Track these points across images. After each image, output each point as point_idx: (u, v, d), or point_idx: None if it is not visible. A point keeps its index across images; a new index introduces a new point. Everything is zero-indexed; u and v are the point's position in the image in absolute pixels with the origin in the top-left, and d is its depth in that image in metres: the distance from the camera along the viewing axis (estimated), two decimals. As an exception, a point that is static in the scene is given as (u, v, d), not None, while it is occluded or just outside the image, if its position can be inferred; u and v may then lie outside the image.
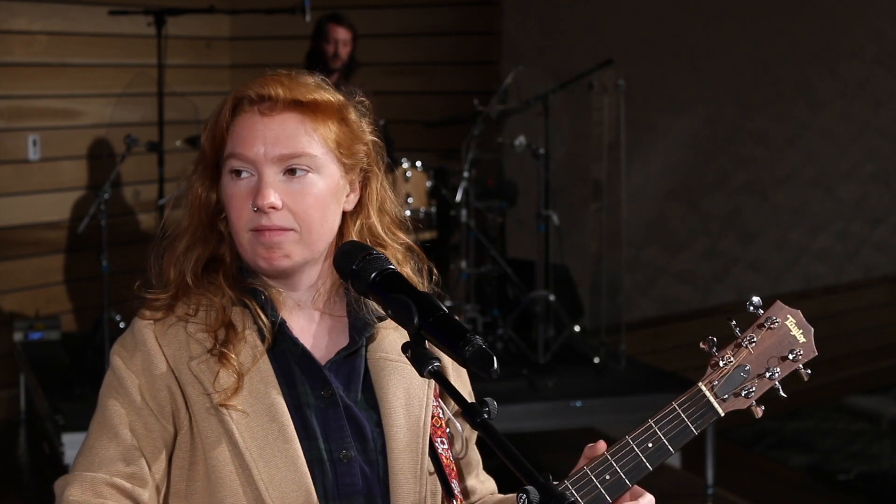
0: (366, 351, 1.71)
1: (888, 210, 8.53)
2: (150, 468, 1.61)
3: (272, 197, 1.62)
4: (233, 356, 1.63)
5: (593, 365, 5.45)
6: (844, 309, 8.23)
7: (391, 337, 1.73)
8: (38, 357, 5.65)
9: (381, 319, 1.72)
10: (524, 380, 5.21)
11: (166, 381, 1.63)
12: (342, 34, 5.81)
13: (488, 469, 1.89)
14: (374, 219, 1.74)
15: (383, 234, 1.74)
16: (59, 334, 5.96)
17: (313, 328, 1.71)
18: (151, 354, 1.64)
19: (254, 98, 1.65)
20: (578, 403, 5.00)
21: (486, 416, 1.41)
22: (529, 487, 1.35)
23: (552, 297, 5.43)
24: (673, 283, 7.49)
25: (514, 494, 1.69)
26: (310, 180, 1.65)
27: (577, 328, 5.69)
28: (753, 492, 5.60)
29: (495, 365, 1.41)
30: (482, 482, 1.84)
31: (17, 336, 5.89)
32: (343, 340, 1.71)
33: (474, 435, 1.80)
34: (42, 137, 6.12)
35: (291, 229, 1.64)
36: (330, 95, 1.68)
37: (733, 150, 7.71)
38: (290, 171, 1.64)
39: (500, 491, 1.87)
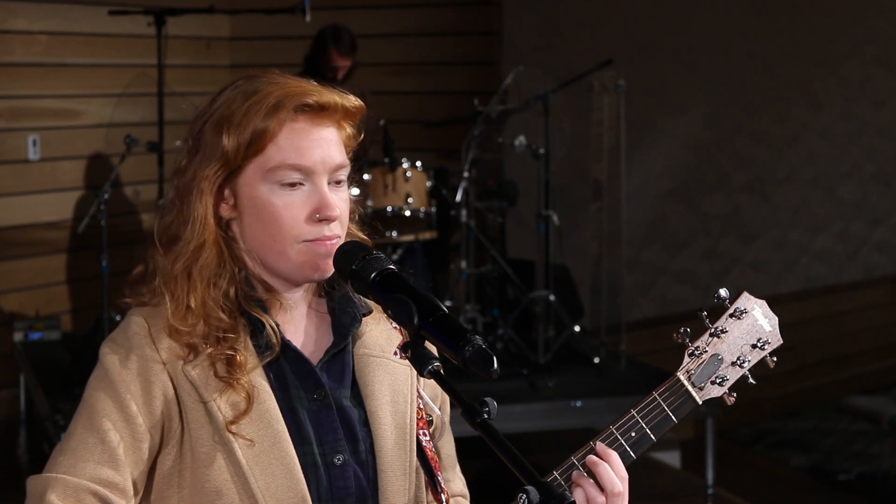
0: (352, 347, 1.71)
1: (888, 210, 8.53)
2: (133, 479, 1.57)
3: (338, 207, 1.63)
4: (244, 379, 1.60)
5: (593, 365, 5.46)
6: (844, 309, 8.23)
7: (373, 333, 1.73)
8: (38, 357, 5.65)
9: (364, 315, 1.72)
10: (524, 380, 5.21)
11: (163, 389, 1.59)
12: (343, 63, 5.82)
13: (487, 469, 1.89)
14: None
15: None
16: (59, 334, 5.96)
17: (302, 328, 1.71)
18: (148, 359, 1.60)
19: (313, 106, 1.63)
20: (578, 403, 5.00)
21: (486, 416, 1.42)
22: (529, 487, 1.36)
23: (552, 298, 5.42)
24: (673, 283, 7.49)
25: None
26: (345, 187, 1.67)
27: (577, 328, 5.69)
28: (753, 492, 5.61)
29: (495, 365, 1.42)
30: (459, 477, 1.84)
31: (17, 336, 5.89)
32: (328, 337, 1.70)
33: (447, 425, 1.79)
34: (42, 137, 6.12)
35: (339, 237, 1.65)
36: (359, 101, 1.69)
37: (733, 150, 7.70)
38: (336, 182, 1.65)
39: (500, 492, 1.87)
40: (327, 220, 1.62)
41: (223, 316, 1.62)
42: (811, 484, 6.29)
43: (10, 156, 6.02)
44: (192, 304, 1.62)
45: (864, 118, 8.28)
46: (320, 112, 1.63)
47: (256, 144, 1.61)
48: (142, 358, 1.60)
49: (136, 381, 1.59)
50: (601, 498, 1.59)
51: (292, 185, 1.62)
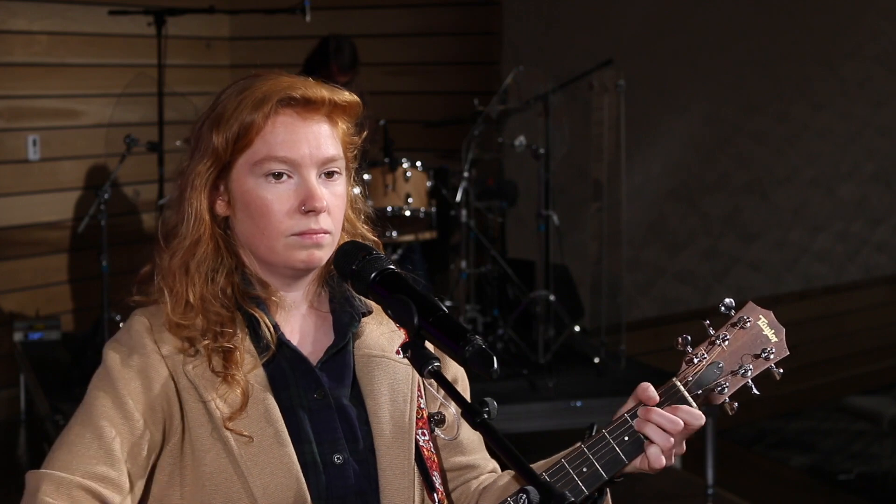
0: (352, 347, 1.71)
1: (888, 210, 8.53)
2: (129, 475, 1.57)
3: (325, 199, 1.63)
4: (240, 375, 1.61)
5: (593, 365, 5.45)
6: (844, 309, 8.23)
7: (374, 332, 1.73)
8: (38, 357, 5.65)
9: (364, 315, 1.72)
10: (524, 380, 5.21)
11: (164, 387, 1.60)
12: (342, 79, 5.82)
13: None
14: (349, 210, 1.75)
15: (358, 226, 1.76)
16: (59, 334, 5.96)
17: (302, 326, 1.71)
18: (150, 357, 1.61)
19: (298, 99, 1.63)
20: (578, 403, 5.00)
21: (486, 416, 1.42)
22: (529, 487, 1.35)
23: (552, 298, 5.42)
24: (673, 283, 7.49)
25: (508, 473, 1.71)
26: (340, 182, 1.67)
27: (577, 328, 5.69)
28: (753, 492, 5.60)
29: (495, 365, 1.42)
30: (487, 459, 1.82)
31: (17, 336, 5.90)
32: (329, 336, 1.70)
33: None
34: (42, 137, 6.12)
35: (329, 232, 1.65)
36: (353, 96, 1.70)
37: (733, 150, 7.71)
38: (327, 174, 1.65)
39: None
40: (314, 211, 1.62)
41: (221, 310, 1.63)
42: (811, 484, 6.28)
43: (10, 156, 6.02)
44: (191, 299, 1.63)
45: (864, 118, 8.28)
46: (307, 106, 1.64)
47: (244, 139, 1.63)
48: (143, 355, 1.61)
49: (136, 379, 1.60)
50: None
51: (278, 177, 1.62)
